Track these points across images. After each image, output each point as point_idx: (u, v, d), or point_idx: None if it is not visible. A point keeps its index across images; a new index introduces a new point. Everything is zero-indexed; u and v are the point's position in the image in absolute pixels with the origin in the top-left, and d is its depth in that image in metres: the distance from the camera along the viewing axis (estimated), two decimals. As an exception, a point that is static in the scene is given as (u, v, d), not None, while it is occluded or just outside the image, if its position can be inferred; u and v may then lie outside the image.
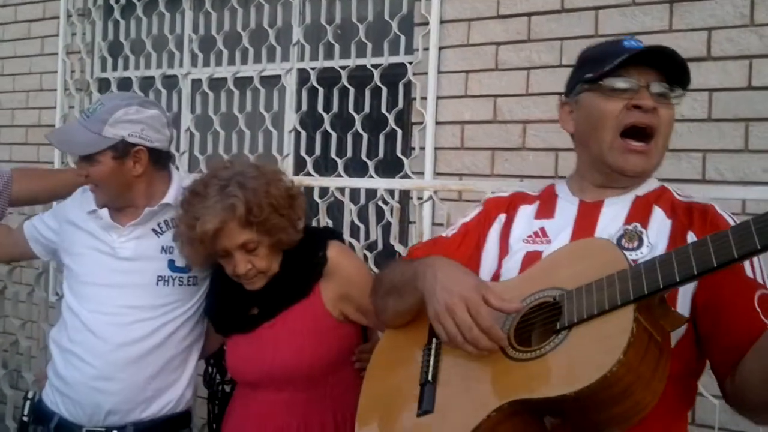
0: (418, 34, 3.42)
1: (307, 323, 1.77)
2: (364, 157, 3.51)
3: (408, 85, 3.45)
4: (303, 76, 3.82)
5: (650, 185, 1.41)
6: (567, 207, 1.43)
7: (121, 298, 1.90)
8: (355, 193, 3.12)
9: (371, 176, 3.40)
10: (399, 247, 2.62)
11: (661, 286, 1.10)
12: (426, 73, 3.36)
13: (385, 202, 2.75)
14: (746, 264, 1.25)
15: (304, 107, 3.78)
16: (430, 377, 1.29)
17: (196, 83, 4.18)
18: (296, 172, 3.65)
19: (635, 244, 1.30)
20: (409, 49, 3.48)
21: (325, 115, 3.64)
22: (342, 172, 3.55)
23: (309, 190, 3.04)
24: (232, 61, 3.99)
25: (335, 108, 3.64)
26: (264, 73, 3.89)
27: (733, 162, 2.73)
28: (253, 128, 3.93)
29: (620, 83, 1.33)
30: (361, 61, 3.58)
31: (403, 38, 3.47)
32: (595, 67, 1.35)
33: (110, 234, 1.94)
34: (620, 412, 1.11)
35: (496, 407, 1.15)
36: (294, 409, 1.77)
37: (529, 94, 3.14)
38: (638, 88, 1.32)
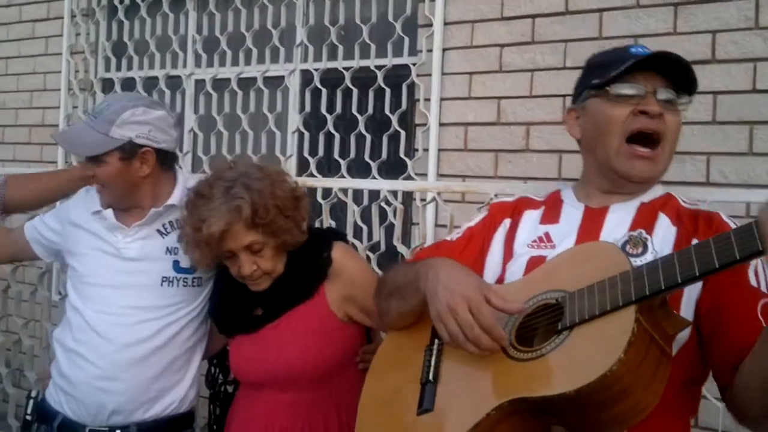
0: (421, 35, 3.42)
1: (312, 324, 1.77)
2: (367, 159, 3.51)
3: (411, 87, 3.45)
4: (306, 77, 3.82)
5: (656, 192, 1.41)
6: (572, 212, 1.43)
7: (125, 299, 1.90)
8: (358, 194, 3.12)
9: (374, 177, 3.40)
10: (402, 249, 2.62)
11: (663, 287, 1.10)
12: (429, 75, 3.36)
13: (388, 204, 2.75)
14: (750, 273, 1.25)
15: (308, 108, 3.78)
16: (431, 377, 1.29)
17: (200, 84, 4.18)
18: (299, 173, 3.65)
19: (640, 250, 1.30)
20: (413, 51, 3.48)
21: (328, 116, 3.64)
22: (345, 173, 3.55)
23: (312, 191, 3.04)
24: (235, 62, 4.00)
25: (338, 109, 3.64)
26: (267, 74, 3.90)
27: (738, 165, 2.73)
28: (256, 129, 3.93)
29: (627, 89, 1.33)
30: (364, 63, 3.58)
31: (406, 40, 3.47)
32: (602, 73, 1.36)
33: (115, 234, 1.94)
34: (620, 413, 1.11)
35: (495, 406, 1.16)
36: (298, 409, 1.77)
37: (532, 96, 3.14)
38: (645, 94, 1.33)
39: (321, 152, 3.68)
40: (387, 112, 3.48)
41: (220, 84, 4.07)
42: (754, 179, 2.70)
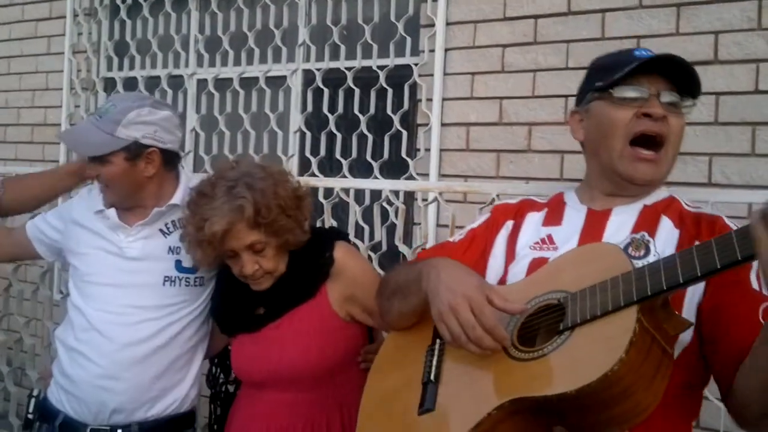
0: (424, 35, 3.42)
1: (314, 323, 1.78)
2: (369, 158, 3.51)
3: (413, 87, 3.44)
4: (308, 77, 3.82)
5: (659, 195, 1.41)
6: (575, 215, 1.44)
7: (127, 298, 1.90)
8: (359, 194, 3.12)
9: (376, 177, 3.40)
10: (403, 248, 2.62)
11: (665, 287, 1.10)
12: (432, 75, 3.35)
13: (390, 203, 2.75)
14: (753, 276, 1.25)
15: (310, 108, 3.78)
16: (432, 377, 1.30)
17: (202, 83, 4.19)
18: (301, 173, 3.65)
19: (642, 252, 1.30)
20: (415, 51, 3.48)
21: (330, 116, 3.64)
22: (347, 173, 3.55)
23: (314, 190, 3.03)
24: (237, 62, 3.99)
25: (340, 109, 3.64)
26: (269, 74, 3.89)
27: (740, 166, 2.72)
28: (258, 129, 3.93)
29: (630, 92, 1.34)
30: (366, 63, 3.58)
31: (408, 40, 3.47)
32: (606, 75, 1.36)
33: (117, 234, 1.94)
34: (621, 413, 1.11)
35: (497, 405, 1.16)
36: (299, 409, 1.77)
37: (535, 97, 3.13)
38: (648, 97, 1.33)
39: (323, 152, 3.68)
40: (389, 112, 3.47)
41: (222, 84, 4.07)
42: (756, 180, 2.69)
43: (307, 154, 3.73)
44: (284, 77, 3.88)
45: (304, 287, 1.79)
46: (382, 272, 2.28)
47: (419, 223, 3.18)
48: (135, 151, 1.87)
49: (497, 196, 2.16)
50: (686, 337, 1.24)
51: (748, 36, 2.72)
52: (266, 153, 3.85)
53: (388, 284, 1.51)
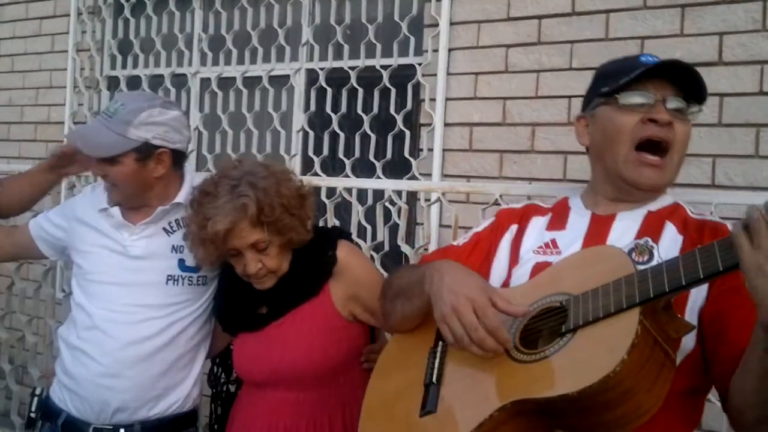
0: (427, 35, 3.42)
1: (317, 322, 1.78)
2: (371, 158, 3.51)
3: (417, 87, 3.44)
4: (312, 77, 3.82)
5: (664, 201, 1.42)
6: (579, 219, 1.44)
7: (130, 297, 1.90)
8: (362, 194, 3.12)
9: (379, 177, 3.40)
10: (406, 249, 2.62)
11: (667, 290, 1.10)
12: (435, 75, 3.35)
13: (393, 203, 2.74)
14: None
15: (313, 107, 3.78)
16: (434, 378, 1.30)
17: (205, 82, 4.19)
18: (304, 172, 3.65)
19: (645, 258, 1.31)
20: (419, 51, 3.47)
21: (333, 116, 3.64)
22: (350, 173, 3.55)
23: (316, 190, 3.04)
24: (241, 61, 4.00)
25: (344, 108, 3.64)
26: (273, 73, 3.90)
27: (744, 167, 2.72)
28: (261, 128, 3.93)
29: (636, 98, 1.34)
30: (370, 62, 3.58)
31: (412, 39, 3.47)
32: (611, 81, 1.36)
33: (121, 232, 1.94)
34: (622, 415, 1.11)
35: (498, 407, 1.16)
36: (302, 408, 1.77)
37: (538, 97, 3.13)
38: (654, 102, 1.33)
39: (325, 151, 3.68)
40: (392, 111, 3.48)
41: (226, 83, 4.07)
42: (760, 182, 2.69)
43: (310, 153, 3.73)
44: (287, 76, 3.88)
45: (307, 286, 1.79)
46: (384, 272, 2.28)
47: (422, 224, 3.17)
48: (146, 151, 1.87)
49: (500, 196, 2.16)
50: (689, 343, 1.24)
51: (752, 37, 2.71)
52: (269, 152, 3.85)
53: (391, 287, 1.52)
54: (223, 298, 1.94)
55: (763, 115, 2.69)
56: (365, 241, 2.86)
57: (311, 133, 3.76)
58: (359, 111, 3.56)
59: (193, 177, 2.01)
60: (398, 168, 3.47)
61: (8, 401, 3.50)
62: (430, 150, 3.36)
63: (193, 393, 2.00)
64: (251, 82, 3.97)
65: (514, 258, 1.46)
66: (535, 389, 1.14)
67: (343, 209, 3.12)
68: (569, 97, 3.02)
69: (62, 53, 4.68)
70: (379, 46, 3.54)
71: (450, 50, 3.35)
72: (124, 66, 4.51)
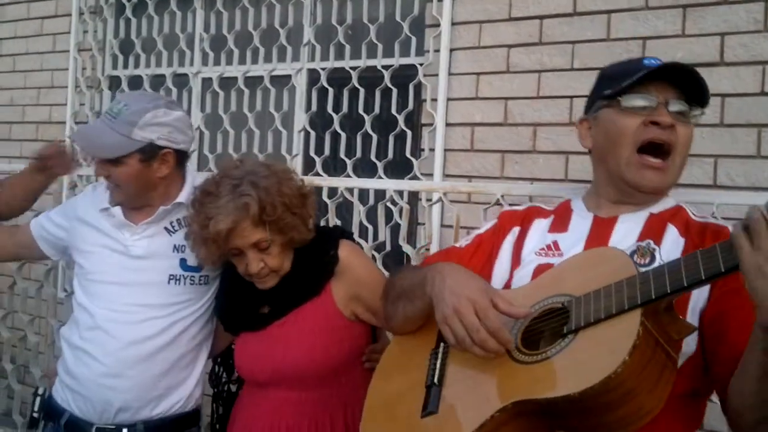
0: (429, 35, 3.42)
1: (319, 322, 1.78)
2: (373, 158, 3.51)
3: (418, 87, 3.44)
4: (313, 77, 3.82)
5: (666, 203, 1.42)
6: (581, 222, 1.44)
7: (132, 296, 1.90)
8: (364, 194, 3.12)
9: (380, 177, 3.40)
10: (407, 249, 2.62)
11: (669, 291, 1.10)
12: (436, 75, 3.35)
13: (394, 203, 2.75)
14: None
15: (314, 107, 3.79)
16: (436, 380, 1.30)
17: (207, 82, 4.19)
18: (305, 172, 3.66)
19: (647, 260, 1.31)
20: (420, 51, 3.48)
21: (334, 116, 3.64)
22: (351, 173, 3.55)
23: (318, 190, 3.05)
24: (242, 61, 4.00)
25: (345, 108, 3.64)
26: (274, 73, 3.90)
27: (746, 168, 2.72)
28: (262, 128, 3.94)
29: (638, 100, 1.34)
30: (371, 62, 3.58)
31: (414, 39, 3.47)
32: (614, 84, 1.36)
33: (123, 232, 1.94)
34: (624, 416, 1.11)
35: (499, 408, 1.16)
36: (304, 408, 1.77)
37: (539, 97, 3.13)
38: (656, 105, 1.33)
39: (327, 151, 3.69)
40: (393, 111, 3.48)
41: (227, 82, 4.08)
42: (762, 182, 2.69)
43: (312, 153, 3.74)
44: (289, 76, 3.88)
45: (309, 285, 1.79)
46: (386, 272, 2.28)
47: (423, 223, 3.18)
48: (150, 152, 1.86)
49: (502, 196, 2.16)
50: (690, 346, 1.24)
51: (754, 38, 2.71)
52: (270, 152, 3.85)
53: (393, 288, 1.52)
54: (225, 297, 1.94)
55: (764, 116, 2.69)
56: (367, 241, 2.86)
57: (313, 133, 3.77)
58: (361, 111, 3.57)
59: (194, 177, 2.01)
60: (400, 168, 3.47)
61: (10, 401, 3.51)
62: (432, 150, 3.36)
63: (196, 393, 2.00)
64: (253, 82, 3.98)
65: (516, 260, 1.46)
66: (536, 390, 1.14)
67: (344, 209, 3.13)
68: (571, 97, 3.02)
69: (64, 53, 4.68)
70: (380, 46, 3.54)
71: (451, 50, 3.35)
72: (125, 66, 4.51)
